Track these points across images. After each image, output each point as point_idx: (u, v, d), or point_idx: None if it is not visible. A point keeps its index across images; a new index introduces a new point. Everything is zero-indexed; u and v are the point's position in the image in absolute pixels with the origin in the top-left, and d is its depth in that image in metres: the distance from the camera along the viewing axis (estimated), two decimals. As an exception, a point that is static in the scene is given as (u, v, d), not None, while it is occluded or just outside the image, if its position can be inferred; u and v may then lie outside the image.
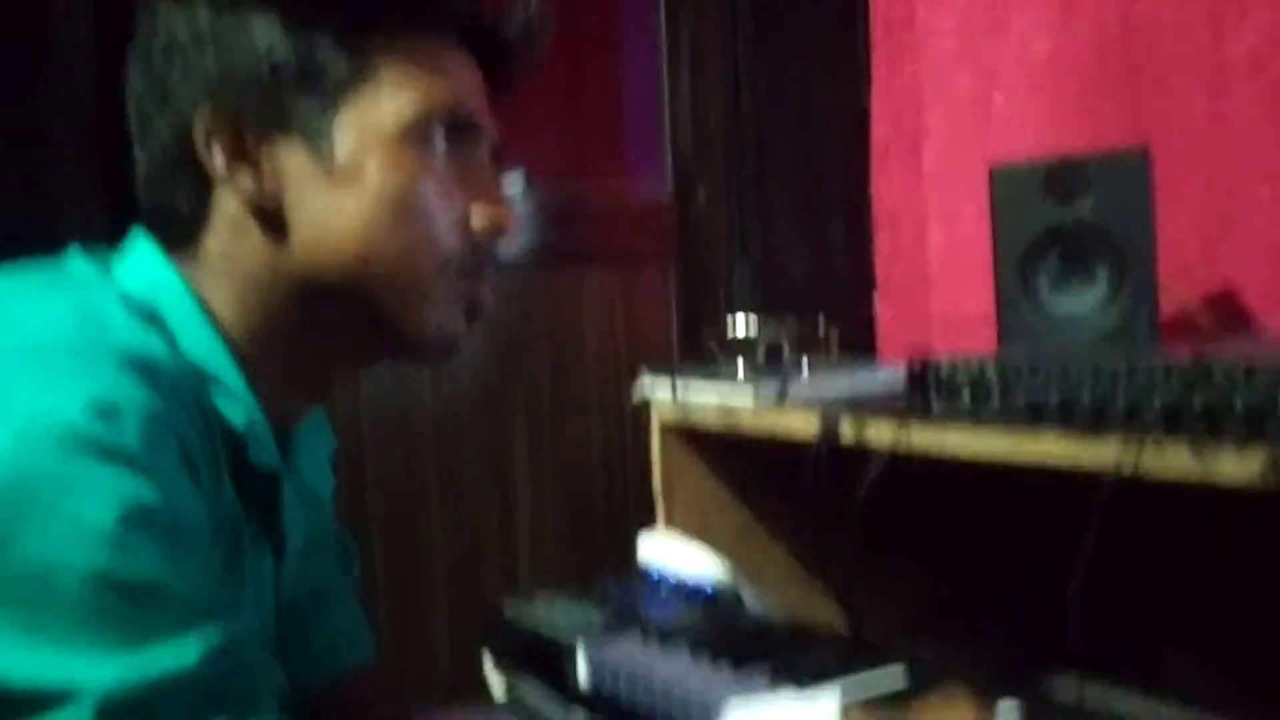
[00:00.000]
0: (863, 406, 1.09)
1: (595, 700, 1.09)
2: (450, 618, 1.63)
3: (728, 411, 1.23)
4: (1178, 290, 1.18)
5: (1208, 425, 0.79)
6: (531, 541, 1.72)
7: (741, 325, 1.38)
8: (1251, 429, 0.77)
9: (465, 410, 1.71)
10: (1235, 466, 0.76)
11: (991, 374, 0.96)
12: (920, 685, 0.83)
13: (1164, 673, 1.01)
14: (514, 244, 1.68)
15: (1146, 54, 1.36)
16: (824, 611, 1.37)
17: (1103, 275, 1.09)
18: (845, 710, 0.93)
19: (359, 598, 0.98)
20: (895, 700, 0.80)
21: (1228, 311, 1.25)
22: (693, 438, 1.37)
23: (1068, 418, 0.89)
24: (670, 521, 1.38)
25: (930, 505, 1.21)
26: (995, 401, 0.95)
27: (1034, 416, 0.91)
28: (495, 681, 1.22)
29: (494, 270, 0.78)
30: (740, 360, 1.33)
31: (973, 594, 1.19)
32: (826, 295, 1.68)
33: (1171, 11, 1.33)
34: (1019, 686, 0.94)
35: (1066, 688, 0.95)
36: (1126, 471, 0.81)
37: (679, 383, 1.33)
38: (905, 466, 1.00)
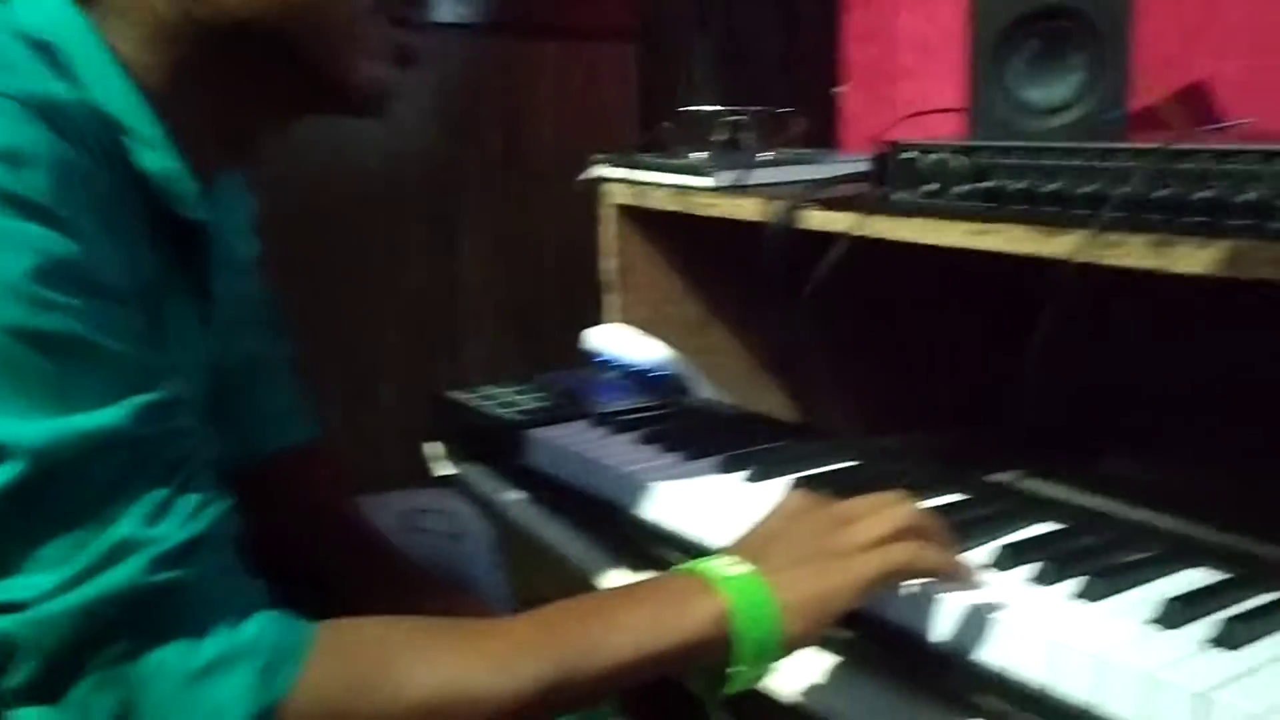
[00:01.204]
0: (824, 192, 1.06)
1: (542, 483, 1.10)
2: (396, 404, 1.62)
3: (684, 195, 1.20)
4: (1153, 85, 1.15)
5: (1171, 216, 0.78)
6: (478, 328, 1.70)
7: (703, 110, 1.34)
8: (1214, 220, 0.75)
9: (412, 186, 1.65)
10: (1192, 259, 0.75)
11: (955, 161, 0.93)
12: (869, 475, 0.84)
13: (1103, 468, 1.03)
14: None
15: None
16: (778, 403, 1.38)
17: (1079, 64, 1.04)
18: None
19: (295, 374, 0.96)
20: (837, 486, 0.80)
21: (1200, 107, 1.22)
22: (648, 223, 1.34)
23: (1031, 207, 0.87)
24: (623, 310, 1.37)
25: (889, 294, 1.21)
26: (959, 189, 0.92)
27: (996, 205, 0.89)
28: (441, 468, 1.23)
29: (421, 14, 0.72)
30: (700, 146, 1.29)
31: (927, 385, 1.20)
32: (792, 82, 1.62)
33: None
34: (962, 478, 0.96)
35: (1009, 480, 0.97)
36: (1085, 260, 0.80)
37: (635, 166, 1.29)
38: (864, 254, 0.98)
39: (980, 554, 0.81)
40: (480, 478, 1.17)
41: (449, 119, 1.65)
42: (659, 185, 1.25)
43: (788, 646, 0.68)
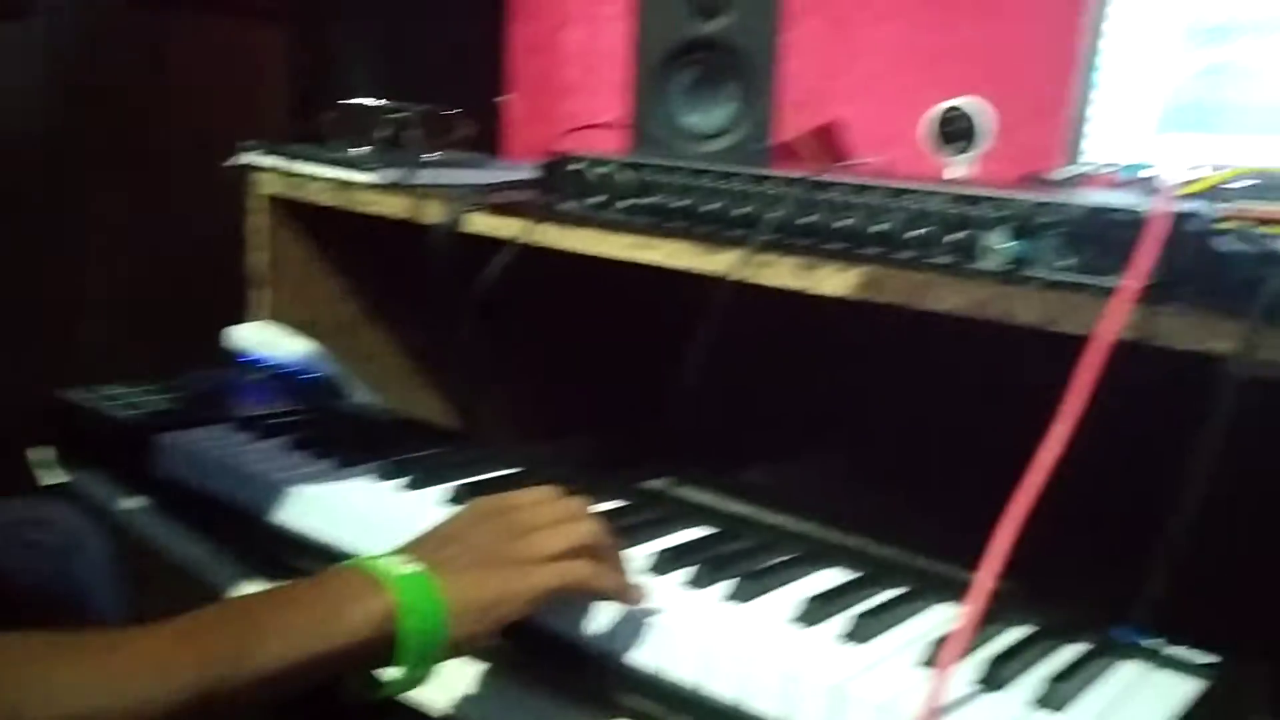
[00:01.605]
0: (491, 197, 1.05)
1: (173, 491, 1.01)
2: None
3: (345, 190, 1.15)
4: (795, 121, 1.24)
5: (816, 241, 0.84)
6: (97, 323, 1.53)
7: (366, 104, 1.29)
8: (852, 247, 0.82)
9: (25, 165, 1.46)
10: (834, 280, 0.81)
11: (622, 176, 0.95)
12: (529, 483, 0.84)
13: (749, 475, 1.09)
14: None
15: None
16: (437, 408, 1.35)
17: (732, 95, 1.11)
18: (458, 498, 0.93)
19: None
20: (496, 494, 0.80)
21: (833, 144, 1.33)
22: (302, 217, 1.27)
23: (690, 224, 0.90)
24: (273, 308, 1.29)
25: (553, 302, 1.21)
26: (624, 203, 0.95)
27: (660, 220, 0.92)
28: (51, 476, 1.10)
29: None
30: (360, 140, 1.24)
31: (587, 393, 1.22)
32: (457, 85, 1.60)
33: None
34: (621, 485, 0.98)
35: (664, 487, 1.00)
36: (739, 278, 0.84)
37: (290, 156, 1.22)
38: (530, 261, 0.98)
39: (638, 558, 0.83)
40: (98, 486, 1.05)
41: (70, 92, 1.48)
42: (316, 178, 1.19)
43: (451, 650, 0.66)
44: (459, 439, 1.12)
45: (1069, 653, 0.72)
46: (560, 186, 0.99)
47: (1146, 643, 0.73)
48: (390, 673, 0.65)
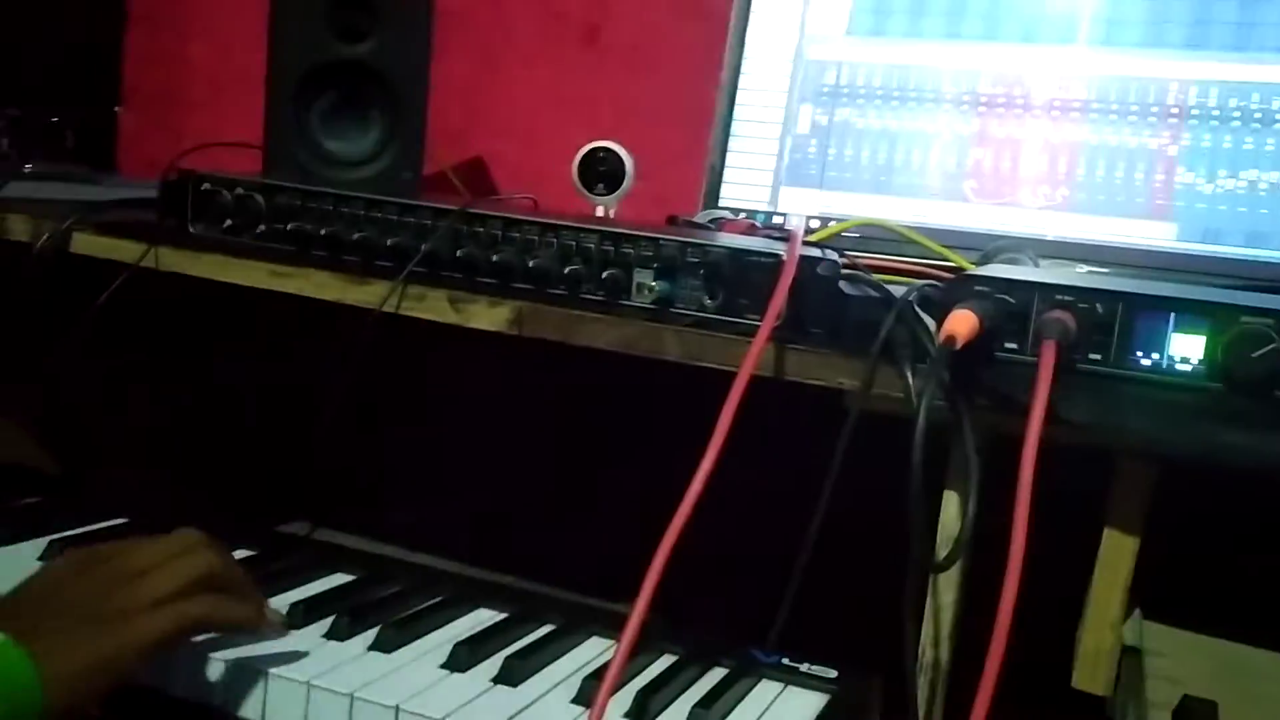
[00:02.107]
0: (102, 216, 0.95)
1: None
2: None
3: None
4: (441, 154, 1.22)
5: (466, 274, 0.83)
6: None
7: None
8: (502, 281, 0.81)
9: None
10: (486, 315, 0.80)
11: (260, 199, 0.89)
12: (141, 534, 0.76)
13: (393, 517, 1.05)
14: None
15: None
16: (36, 451, 1.19)
17: (377, 120, 1.07)
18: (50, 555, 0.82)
19: None
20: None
21: (478, 180, 1.33)
22: None
23: (336, 254, 0.86)
24: None
25: (175, 331, 1.11)
26: (261, 229, 0.89)
27: (301, 249, 0.87)
28: None
29: None
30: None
31: (216, 431, 1.12)
32: (63, 93, 1.45)
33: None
34: (252, 530, 0.91)
35: (301, 531, 0.95)
36: (389, 311, 0.81)
37: None
38: (150, 286, 0.89)
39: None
40: None
41: None
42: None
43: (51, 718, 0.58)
44: (62, 485, 1.00)
45: (712, 678, 0.75)
46: (185, 208, 0.91)
47: (781, 662, 0.78)
48: None
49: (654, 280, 0.76)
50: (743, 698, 0.73)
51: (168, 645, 0.63)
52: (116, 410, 1.00)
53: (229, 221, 0.90)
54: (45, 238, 0.92)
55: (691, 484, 0.66)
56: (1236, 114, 0.95)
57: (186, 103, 1.40)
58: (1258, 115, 0.95)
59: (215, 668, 0.69)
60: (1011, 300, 0.66)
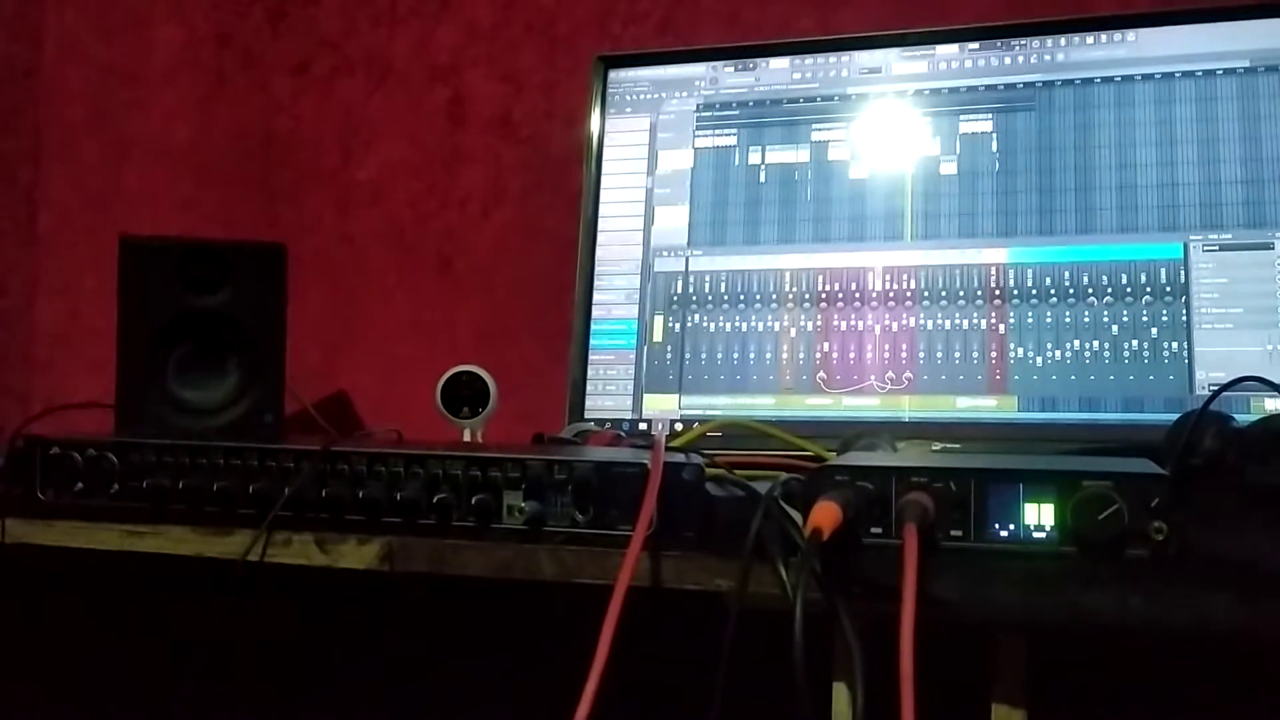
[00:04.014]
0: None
1: None
2: None
3: None
4: (303, 392, 1.22)
5: (333, 513, 0.81)
6: None
7: None
8: (371, 517, 0.80)
9: None
10: (356, 554, 0.79)
11: (112, 458, 0.87)
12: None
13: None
14: None
15: (282, 165, 1.41)
16: None
17: (234, 367, 1.07)
18: None
19: None
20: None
21: (342, 416, 1.32)
22: None
23: (196, 506, 0.84)
24: None
25: (36, 612, 1.05)
26: (115, 489, 0.86)
27: (159, 505, 0.85)
28: None
29: None
30: None
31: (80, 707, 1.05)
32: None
33: (308, 130, 1.40)
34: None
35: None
36: (255, 559, 0.79)
37: None
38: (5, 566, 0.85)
39: None
40: None
41: None
42: None
43: None
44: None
45: None
46: (33, 475, 0.88)
47: None
48: None
49: (524, 501, 0.77)
50: None
51: None
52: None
53: (80, 485, 0.87)
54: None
55: (581, 701, 0.64)
56: (1051, 291, 1.03)
57: (32, 364, 1.37)
58: (1070, 290, 1.03)
59: None
60: (871, 486, 0.68)
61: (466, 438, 1.03)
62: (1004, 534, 0.67)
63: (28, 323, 1.38)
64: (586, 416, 1.10)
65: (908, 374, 1.04)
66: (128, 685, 1.00)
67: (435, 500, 0.78)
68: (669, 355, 1.10)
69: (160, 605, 0.94)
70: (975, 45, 1.09)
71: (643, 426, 1.08)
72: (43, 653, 1.07)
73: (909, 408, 1.03)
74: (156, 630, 0.94)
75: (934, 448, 0.98)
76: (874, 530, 0.68)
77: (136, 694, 0.95)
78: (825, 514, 0.64)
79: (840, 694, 0.68)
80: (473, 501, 0.77)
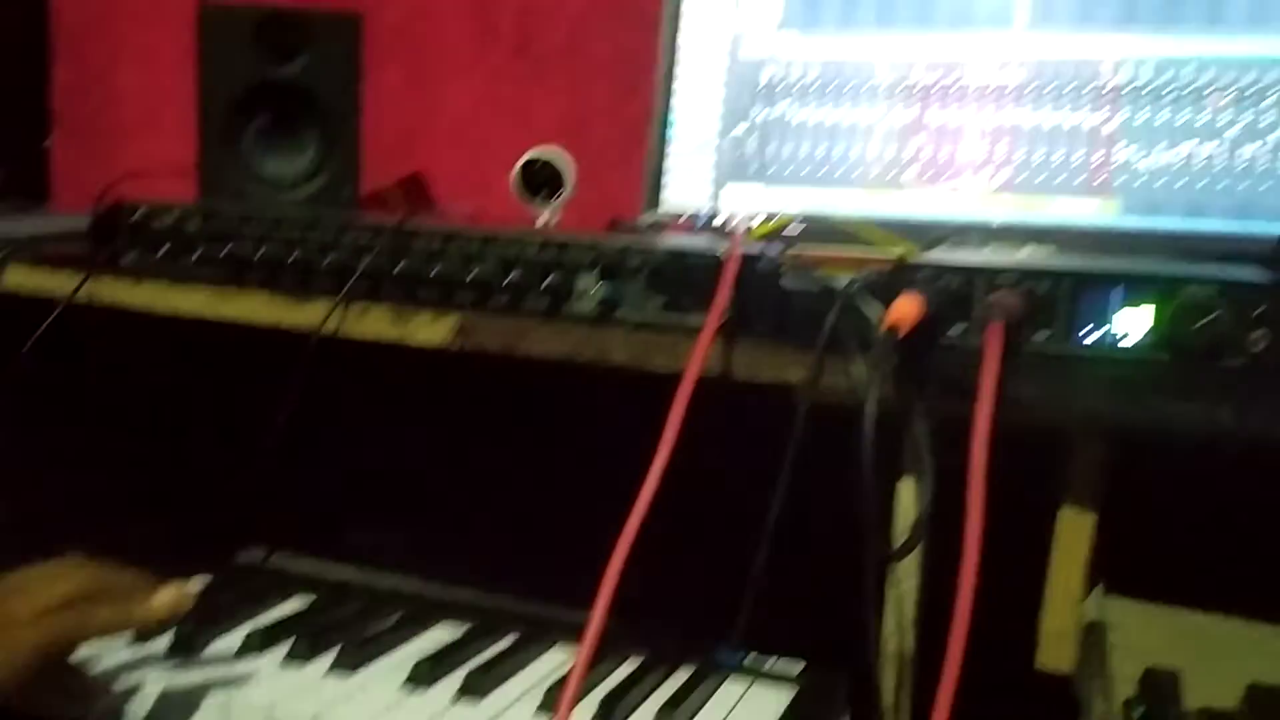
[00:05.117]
0: (36, 249, 0.93)
1: None
2: None
3: None
4: (379, 170, 1.21)
5: (406, 290, 0.81)
6: None
7: None
8: (444, 295, 0.80)
9: None
10: (429, 330, 0.79)
11: (195, 225, 0.88)
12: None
13: (348, 539, 1.04)
14: None
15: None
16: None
17: (312, 140, 1.06)
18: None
19: None
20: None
21: (418, 196, 1.31)
22: None
23: (274, 276, 0.85)
24: None
25: (118, 365, 1.09)
26: (197, 254, 0.87)
27: (238, 273, 0.86)
28: None
29: None
30: None
31: (164, 464, 1.10)
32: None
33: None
34: (207, 561, 0.89)
35: (256, 559, 0.93)
36: (331, 331, 0.80)
37: None
38: (87, 320, 0.87)
39: (233, 639, 0.76)
40: None
41: None
42: None
43: None
44: (8, 530, 0.97)
45: (676, 680, 0.74)
46: (119, 238, 0.90)
47: (745, 660, 0.77)
48: None
49: (597, 286, 0.76)
50: (709, 697, 0.73)
51: (41, 659, 0.62)
52: (60, 446, 0.97)
53: (164, 249, 0.88)
54: (-24, 275, 0.90)
55: (644, 487, 0.65)
56: (1169, 89, 0.96)
57: (118, 131, 1.38)
58: (1190, 90, 0.96)
59: (177, 698, 0.68)
60: (955, 284, 0.66)
61: (541, 222, 1.02)
62: (1093, 339, 0.65)
63: (112, 91, 1.37)
64: (664, 206, 1.07)
65: (1005, 173, 0.99)
66: (203, 454, 1.05)
67: (508, 280, 0.78)
68: (752, 146, 1.06)
69: (238, 374, 0.96)
70: None
71: (721, 219, 1.05)
72: (121, 414, 1.11)
73: (1003, 210, 0.99)
74: (232, 400, 0.97)
75: (1025, 250, 0.94)
76: (954, 330, 0.66)
77: (210, 462, 0.98)
78: (905, 308, 0.62)
79: (906, 491, 0.68)
80: (545, 283, 0.77)
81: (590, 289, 0.76)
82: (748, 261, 0.72)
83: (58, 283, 0.89)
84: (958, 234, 0.89)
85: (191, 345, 0.93)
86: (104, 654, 0.71)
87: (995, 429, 0.59)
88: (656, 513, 0.65)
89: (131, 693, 0.69)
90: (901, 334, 0.62)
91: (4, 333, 0.88)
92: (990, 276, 0.65)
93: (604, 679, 0.73)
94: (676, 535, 0.73)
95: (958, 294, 0.65)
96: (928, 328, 0.64)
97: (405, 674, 0.71)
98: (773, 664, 0.77)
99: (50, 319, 0.88)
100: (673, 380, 0.68)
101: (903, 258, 0.70)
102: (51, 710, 0.68)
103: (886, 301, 0.64)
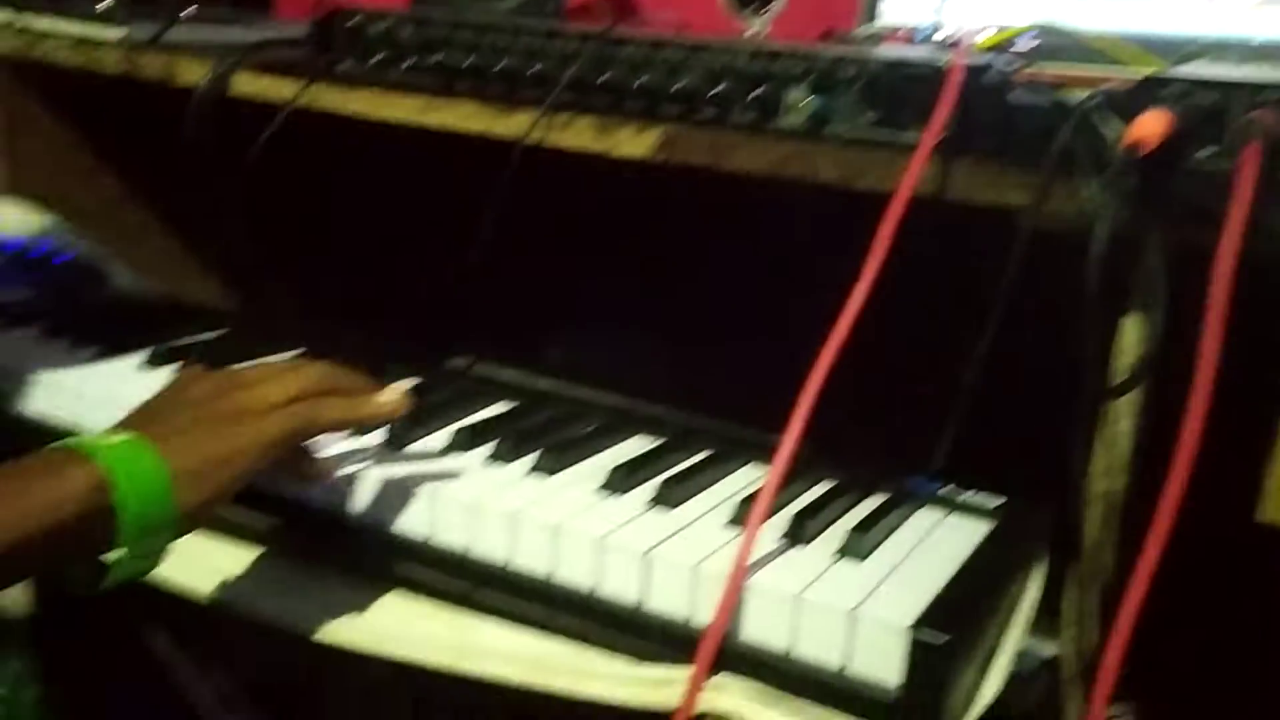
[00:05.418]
0: (259, 56, 0.96)
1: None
2: None
3: (90, 49, 1.02)
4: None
5: (611, 101, 0.80)
6: None
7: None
8: (651, 107, 0.79)
9: None
10: (633, 142, 0.78)
11: (406, 32, 0.88)
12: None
13: (549, 350, 1.06)
14: None
15: None
16: (212, 290, 1.26)
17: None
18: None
19: None
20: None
21: (623, 7, 1.28)
22: (45, 81, 1.13)
23: (481, 85, 0.85)
24: (13, 184, 1.15)
25: (332, 173, 1.13)
26: (408, 63, 0.88)
27: (447, 81, 0.86)
28: None
29: None
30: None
31: (375, 270, 1.15)
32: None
33: None
34: (417, 364, 0.94)
35: (463, 365, 0.96)
36: (535, 141, 0.80)
37: (19, 9, 1.07)
38: (305, 127, 0.90)
39: (440, 438, 0.80)
40: None
41: None
42: (54, 35, 1.06)
43: (183, 520, 0.61)
44: (237, 322, 1.05)
45: (869, 505, 0.74)
46: (336, 45, 0.91)
47: (940, 490, 0.76)
48: (115, 555, 0.59)
49: (807, 99, 0.72)
50: (902, 524, 0.72)
51: (282, 445, 0.65)
52: (276, 253, 1.02)
53: (378, 56, 0.89)
54: (207, 80, 0.94)
55: (846, 310, 0.63)
56: None
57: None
58: None
59: (389, 487, 0.72)
60: (1209, 102, 0.59)
61: (751, 34, 0.98)
62: (1366, 168, 0.57)
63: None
64: (881, 20, 1.01)
65: (1272, -16, 0.88)
66: (411, 262, 1.08)
67: (714, 92, 0.75)
68: (984, -48, 0.98)
69: (445, 184, 0.98)
70: None
71: (944, 34, 0.98)
72: (334, 220, 1.16)
73: (1268, 25, 0.88)
74: (440, 210, 0.99)
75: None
76: (1205, 151, 0.60)
77: (419, 270, 1.01)
78: (1150, 125, 0.57)
79: (1129, 325, 0.64)
80: (753, 96, 0.74)
81: (800, 102, 0.73)
82: (972, 74, 0.66)
83: (280, 89, 0.92)
84: (1214, 51, 0.80)
85: (400, 153, 0.95)
86: (330, 443, 0.76)
87: (1240, 263, 0.54)
88: (858, 337, 0.63)
89: (352, 479, 0.73)
90: (1143, 153, 0.56)
91: (232, 137, 0.92)
92: (1250, 93, 0.59)
93: (796, 498, 0.73)
94: (878, 361, 0.71)
95: (1211, 111, 0.59)
96: (1173, 148, 0.58)
97: (601, 480, 0.74)
98: (970, 497, 0.75)
99: (275, 124, 0.91)
100: (883, 200, 0.65)
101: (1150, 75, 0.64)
102: (286, 491, 0.73)
103: (1127, 119, 0.59)
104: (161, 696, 0.89)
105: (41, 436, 0.73)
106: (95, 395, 0.83)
